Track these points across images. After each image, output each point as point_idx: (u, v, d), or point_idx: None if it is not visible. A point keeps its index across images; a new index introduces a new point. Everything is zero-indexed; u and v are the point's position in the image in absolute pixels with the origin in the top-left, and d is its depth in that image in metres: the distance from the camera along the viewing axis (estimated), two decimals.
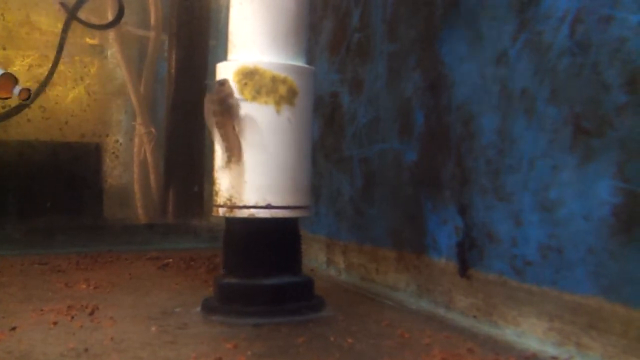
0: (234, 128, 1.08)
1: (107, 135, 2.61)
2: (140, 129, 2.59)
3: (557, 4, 0.92)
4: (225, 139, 1.08)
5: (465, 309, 1.10)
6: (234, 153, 1.08)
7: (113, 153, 2.60)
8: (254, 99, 1.08)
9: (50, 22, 2.37)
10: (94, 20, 2.29)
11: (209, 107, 1.08)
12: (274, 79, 1.09)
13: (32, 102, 2.05)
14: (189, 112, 2.27)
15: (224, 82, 1.07)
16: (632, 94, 0.80)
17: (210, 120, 1.09)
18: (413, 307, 1.20)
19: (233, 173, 1.09)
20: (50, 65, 2.12)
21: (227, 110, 1.07)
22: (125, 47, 2.56)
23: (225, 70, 1.10)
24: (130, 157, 2.63)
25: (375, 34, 1.42)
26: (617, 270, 0.82)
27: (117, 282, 1.42)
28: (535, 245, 0.95)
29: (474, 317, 1.08)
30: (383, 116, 1.38)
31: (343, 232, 1.55)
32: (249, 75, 1.08)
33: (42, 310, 1.13)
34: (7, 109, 2.09)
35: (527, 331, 0.96)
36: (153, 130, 2.57)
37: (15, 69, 2.35)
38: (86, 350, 0.89)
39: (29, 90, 1.19)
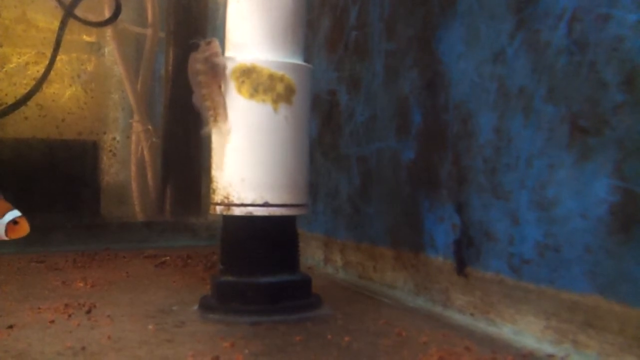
0: (219, 87, 1.06)
1: (105, 133, 2.61)
2: (137, 126, 2.58)
3: (555, 2, 0.91)
4: (209, 98, 1.06)
5: (463, 307, 1.11)
6: (219, 112, 1.06)
7: (110, 151, 2.59)
8: (251, 97, 1.08)
9: (46, 19, 2.37)
10: (91, 17, 2.28)
11: (194, 66, 1.06)
12: (272, 77, 1.08)
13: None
14: (187, 109, 2.26)
15: (210, 41, 1.06)
16: (630, 93, 0.80)
17: (194, 80, 1.06)
18: (410, 305, 1.20)
19: (220, 158, 1.08)
20: (47, 62, 2.11)
21: (212, 69, 1.05)
22: (123, 45, 2.56)
23: None
24: (128, 154, 2.63)
25: (372, 32, 1.41)
26: (614, 268, 0.82)
27: (114, 280, 1.41)
28: (532, 244, 0.95)
29: (472, 315, 1.08)
30: (380, 114, 1.38)
31: (341, 230, 1.55)
32: (246, 73, 1.08)
33: (39, 308, 1.13)
34: (3, 106, 2.09)
35: (524, 329, 0.96)
36: (150, 127, 2.57)
37: (11, 66, 2.35)
38: (83, 348, 0.89)
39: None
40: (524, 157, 0.97)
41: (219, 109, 1.06)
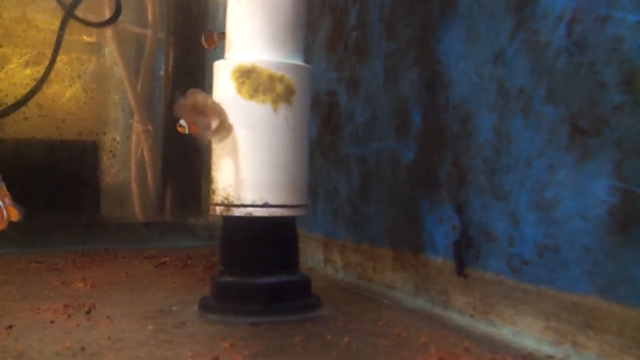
0: (208, 127, 1.09)
1: (104, 134, 2.61)
2: (137, 127, 2.58)
3: (554, 3, 0.91)
4: (201, 140, 1.11)
5: (462, 307, 1.10)
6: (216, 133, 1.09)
7: (110, 151, 2.59)
8: (251, 97, 1.08)
9: (47, 19, 2.37)
10: (91, 18, 2.28)
11: (181, 111, 1.10)
12: (271, 78, 1.08)
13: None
14: None
15: (195, 91, 1.09)
16: (629, 94, 0.80)
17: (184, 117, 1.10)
18: (410, 306, 1.20)
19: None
20: (47, 63, 2.11)
21: (202, 112, 1.08)
22: (123, 45, 2.56)
23: (222, 69, 1.10)
24: (128, 155, 2.63)
25: (372, 33, 1.41)
26: (613, 269, 0.82)
27: (114, 280, 1.41)
28: (532, 245, 0.95)
29: (471, 316, 1.08)
30: (380, 115, 1.38)
31: (340, 231, 1.55)
32: (246, 74, 1.08)
33: (38, 309, 1.13)
34: (3, 106, 2.09)
35: (524, 330, 0.96)
36: (150, 128, 2.57)
37: (12, 66, 2.35)
38: (83, 349, 0.89)
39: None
40: (524, 157, 0.97)
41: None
